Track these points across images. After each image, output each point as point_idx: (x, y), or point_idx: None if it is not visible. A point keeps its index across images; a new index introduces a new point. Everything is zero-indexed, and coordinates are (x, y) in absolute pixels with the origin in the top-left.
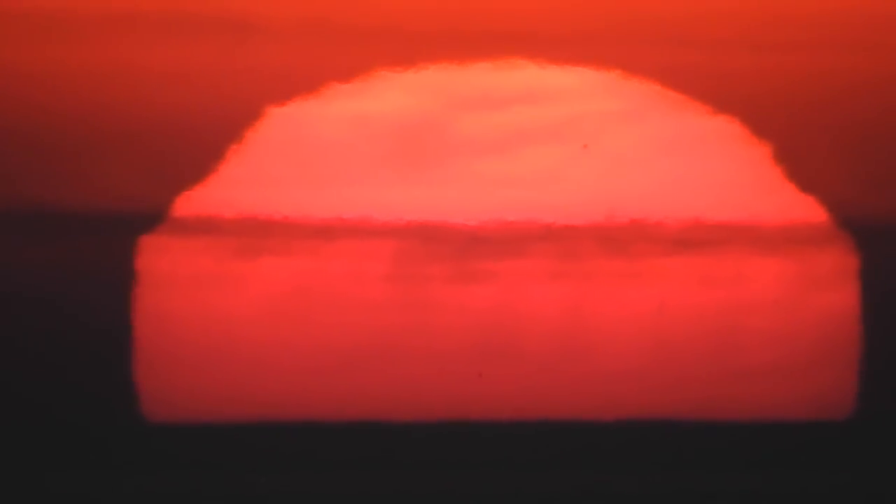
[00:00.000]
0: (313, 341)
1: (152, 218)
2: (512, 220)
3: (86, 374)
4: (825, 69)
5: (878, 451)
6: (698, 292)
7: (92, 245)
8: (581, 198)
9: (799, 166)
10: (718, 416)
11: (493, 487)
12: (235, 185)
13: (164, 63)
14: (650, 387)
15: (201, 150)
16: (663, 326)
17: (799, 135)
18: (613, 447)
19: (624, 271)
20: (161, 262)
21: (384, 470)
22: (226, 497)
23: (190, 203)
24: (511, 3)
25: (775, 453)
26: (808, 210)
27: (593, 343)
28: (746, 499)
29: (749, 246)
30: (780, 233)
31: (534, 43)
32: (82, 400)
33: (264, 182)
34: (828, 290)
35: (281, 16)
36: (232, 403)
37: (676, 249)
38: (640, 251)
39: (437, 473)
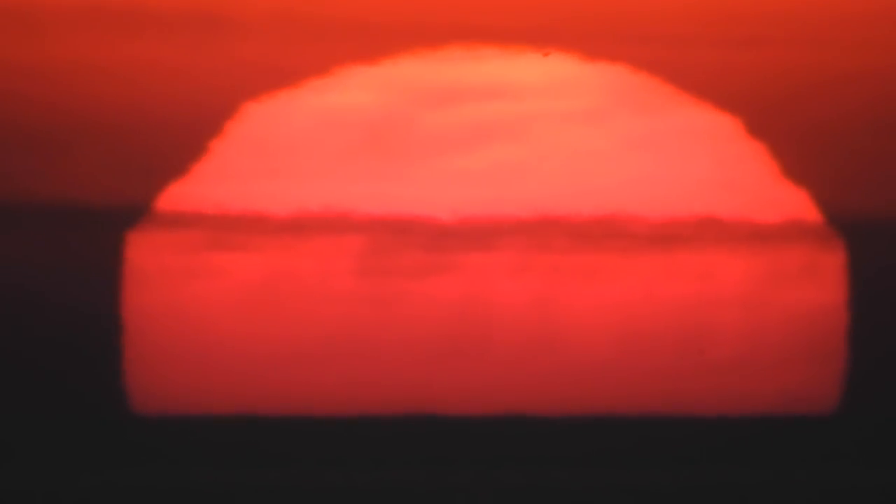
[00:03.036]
0: (286, 335)
1: (137, 213)
2: (481, 213)
3: (76, 368)
4: (796, 65)
5: (862, 446)
6: (668, 287)
7: (79, 240)
8: (550, 192)
9: (776, 162)
10: (689, 411)
11: (462, 480)
12: (214, 181)
13: (141, 58)
14: (619, 381)
15: (181, 146)
16: (632, 320)
17: (772, 130)
18: (582, 441)
19: (593, 266)
20: (146, 257)
21: (354, 462)
22: (209, 488)
23: (172, 198)
24: None
25: (752, 447)
26: (786, 206)
27: (562, 337)
28: (720, 491)
29: (720, 242)
30: (753, 229)
31: (502, 38)
32: (71, 393)
33: (240, 177)
34: (806, 286)
35: (251, 11)
36: (210, 397)
37: (646, 245)
38: (610, 246)
39: (406, 466)
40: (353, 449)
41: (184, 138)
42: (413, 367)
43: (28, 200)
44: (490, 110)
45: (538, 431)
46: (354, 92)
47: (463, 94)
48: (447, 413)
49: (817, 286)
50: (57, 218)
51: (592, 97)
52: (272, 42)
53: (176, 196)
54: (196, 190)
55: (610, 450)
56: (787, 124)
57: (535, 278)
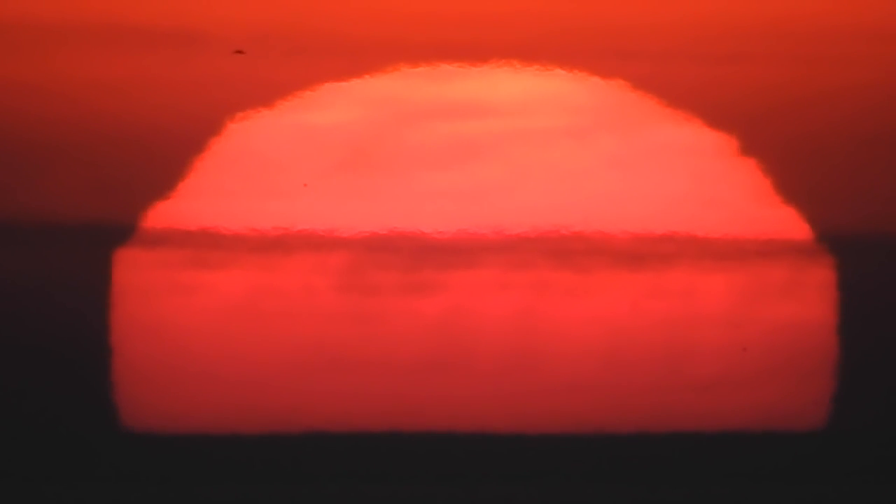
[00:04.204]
0: (270, 352)
1: (123, 230)
2: (463, 230)
3: (64, 387)
4: (780, 81)
5: (849, 463)
6: (654, 304)
7: (65, 258)
8: (533, 210)
9: (761, 178)
10: (673, 428)
11: (445, 497)
12: (199, 198)
13: (124, 75)
14: (603, 398)
15: (166, 163)
16: (616, 337)
17: (757, 146)
18: (567, 458)
19: (576, 283)
20: (133, 275)
21: (336, 479)
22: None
23: (158, 215)
24: (462, 13)
25: (738, 464)
26: (773, 223)
27: (546, 354)
28: None
29: (705, 259)
30: (739, 245)
31: (484, 55)
32: (60, 411)
33: (224, 195)
34: (794, 303)
35: (234, 28)
36: (195, 413)
37: (630, 262)
38: (593, 263)
39: (386, 484)
40: (336, 465)
41: (168, 155)
42: (397, 384)
43: (14, 217)
44: (472, 127)
45: (521, 449)
46: (336, 109)
47: (445, 111)
48: (430, 430)
49: (806, 303)
50: (43, 235)
51: (575, 114)
52: (255, 59)
53: (161, 213)
54: (181, 207)
55: (594, 467)
56: (772, 140)
57: (518, 295)
